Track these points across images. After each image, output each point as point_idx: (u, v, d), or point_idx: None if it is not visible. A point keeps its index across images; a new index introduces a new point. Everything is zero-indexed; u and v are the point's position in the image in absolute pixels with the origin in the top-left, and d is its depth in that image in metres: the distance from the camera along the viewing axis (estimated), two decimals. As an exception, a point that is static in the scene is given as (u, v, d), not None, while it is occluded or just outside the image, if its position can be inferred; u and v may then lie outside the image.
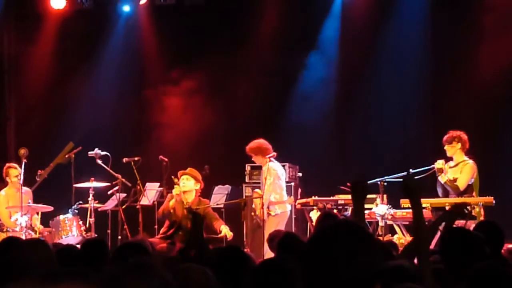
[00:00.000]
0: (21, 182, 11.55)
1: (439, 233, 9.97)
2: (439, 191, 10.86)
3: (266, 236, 10.97)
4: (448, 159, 10.92)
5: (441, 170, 10.73)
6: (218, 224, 10.90)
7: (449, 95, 13.41)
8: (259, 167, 12.38)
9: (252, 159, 11.78)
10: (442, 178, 10.72)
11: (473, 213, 10.23)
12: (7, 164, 12.22)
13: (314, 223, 10.94)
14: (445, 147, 10.85)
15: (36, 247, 4.59)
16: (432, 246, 9.63)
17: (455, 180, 10.69)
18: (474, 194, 10.72)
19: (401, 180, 9.89)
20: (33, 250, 4.53)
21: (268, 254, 9.25)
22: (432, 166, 10.74)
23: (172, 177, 11.22)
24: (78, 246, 6.93)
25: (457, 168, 10.79)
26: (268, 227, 11.20)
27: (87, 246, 5.82)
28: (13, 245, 4.63)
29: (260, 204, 11.44)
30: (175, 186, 11.09)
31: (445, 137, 10.87)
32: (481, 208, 10.31)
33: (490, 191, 10.62)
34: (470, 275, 4.10)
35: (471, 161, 10.78)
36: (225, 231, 10.79)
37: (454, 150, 10.82)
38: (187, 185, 11.11)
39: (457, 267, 4.79)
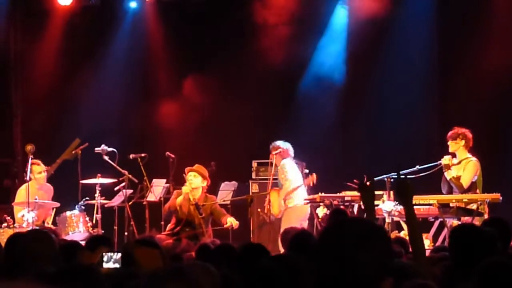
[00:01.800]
0: (28, 178, 11.54)
1: (446, 230, 10.00)
2: (444, 188, 10.82)
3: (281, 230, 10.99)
4: (453, 155, 10.89)
5: (448, 166, 10.70)
6: (225, 219, 10.97)
7: (456, 92, 13.36)
8: (266, 164, 12.40)
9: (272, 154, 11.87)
10: (448, 174, 10.69)
11: (479, 210, 10.21)
12: (32, 160, 12.17)
13: (320, 220, 10.95)
14: (448, 143, 10.82)
15: (41, 239, 4.62)
16: (439, 243, 9.66)
17: (458, 178, 10.65)
18: (477, 191, 10.67)
19: (410, 177, 9.89)
20: (38, 243, 4.56)
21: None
22: (439, 162, 10.71)
23: (184, 175, 11.22)
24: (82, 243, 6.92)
25: (460, 165, 10.75)
26: (284, 220, 11.32)
27: (91, 242, 5.80)
28: (19, 240, 4.67)
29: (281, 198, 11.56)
30: (186, 184, 11.09)
31: (450, 133, 10.83)
32: (485, 204, 10.25)
33: (495, 188, 10.56)
34: (480, 270, 4.08)
35: (474, 159, 10.73)
36: (230, 220, 10.87)
37: (457, 146, 10.78)
38: (195, 182, 11.13)
39: (465, 263, 4.77)
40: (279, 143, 11.90)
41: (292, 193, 11.71)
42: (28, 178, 11.53)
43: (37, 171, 11.88)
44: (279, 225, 11.57)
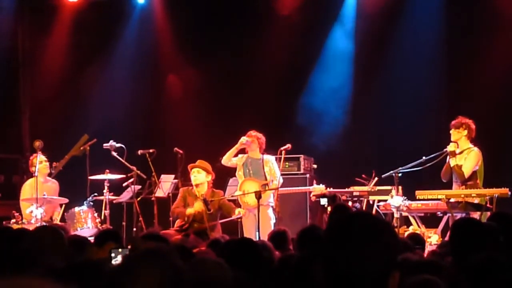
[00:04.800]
0: (36, 174, 11.55)
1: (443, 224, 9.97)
2: (445, 176, 10.82)
3: (261, 224, 10.80)
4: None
5: (453, 153, 10.72)
6: (234, 211, 11.03)
7: (463, 86, 13.34)
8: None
9: (245, 143, 11.74)
10: (452, 161, 10.71)
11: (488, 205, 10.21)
12: (33, 155, 12.13)
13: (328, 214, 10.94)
14: (451, 131, 10.82)
15: (50, 235, 4.63)
16: (448, 238, 9.63)
17: (460, 166, 10.67)
18: (478, 181, 10.68)
19: (416, 169, 9.89)
20: (47, 238, 4.57)
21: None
22: (445, 150, 10.72)
23: (188, 172, 11.23)
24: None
25: (462, 155, 10.77)
26: (266, 217, 11.24)
27: (100, 237, 5.80)
28: (24, 235, 4.68)
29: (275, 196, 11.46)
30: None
31: (453, 121, 10.85)
32: (494, 198, 10.20)
33: (503, 182, 10.53)
34: (470, 266, 4.06)
35: (476, 149, 10.75)
36: (237, 210, 11.02)
37: (459, 136, 10.78)
38: (199, 178, 11.14)
39: (466, 257, 4.76)
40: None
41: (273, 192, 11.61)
42: (36, 174, 11.54)
43: (39, 162, 11.79)
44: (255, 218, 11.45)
